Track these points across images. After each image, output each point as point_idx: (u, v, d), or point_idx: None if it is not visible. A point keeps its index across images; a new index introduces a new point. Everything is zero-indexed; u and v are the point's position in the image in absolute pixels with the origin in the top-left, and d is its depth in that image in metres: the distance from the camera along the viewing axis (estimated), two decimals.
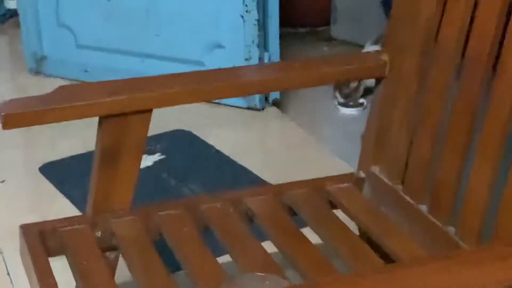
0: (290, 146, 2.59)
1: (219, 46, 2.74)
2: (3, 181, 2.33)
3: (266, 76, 1.43)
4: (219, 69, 1.50)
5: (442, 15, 1.38)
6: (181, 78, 1.41)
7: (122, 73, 2.90)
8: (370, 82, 2.77)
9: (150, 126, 1.37)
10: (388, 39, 1.52)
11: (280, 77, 1.47)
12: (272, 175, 2.27)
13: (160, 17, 2.80)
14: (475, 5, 1.31)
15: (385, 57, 1.51)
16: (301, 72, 1.48)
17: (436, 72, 1.39)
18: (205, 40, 2.75)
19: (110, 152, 1.36)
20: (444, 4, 1.38)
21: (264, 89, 1.46)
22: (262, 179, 2.29)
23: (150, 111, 1.37)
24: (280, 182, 1.59)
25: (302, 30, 3.70)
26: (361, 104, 2.80)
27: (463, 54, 1.34)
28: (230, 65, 2.74)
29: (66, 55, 3.07)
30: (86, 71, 3.00)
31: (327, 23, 3.68)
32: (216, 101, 2.79)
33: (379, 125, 1.52)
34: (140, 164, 1.41)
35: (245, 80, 1.40)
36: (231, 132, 2.69)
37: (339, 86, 2.76)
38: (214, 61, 2.75)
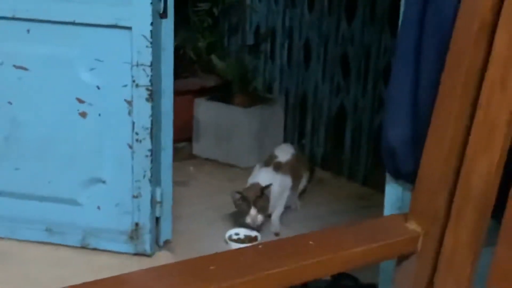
0: None
1: (99, 181, 2.25)
2: None
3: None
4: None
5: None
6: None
7: None
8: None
9: None
10: (418, 205, 1.21)
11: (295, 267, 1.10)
12: None
13: (23, 147, 2.25)
14: None
15: (415, 227, 1.20)
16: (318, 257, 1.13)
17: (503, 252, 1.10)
18: (81, 173, 2.24)
19: None
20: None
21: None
22: None
23: None
24: None
25: None
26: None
27: None
28: (112, 204, 2.31)
29: None
30: None
31: (188, 139, 3.37)
32: (93, 246, 2.31)
33: None
34: None
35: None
36: None
37: (254, 200, 2.41)
38: (92, 199, 2.28)
